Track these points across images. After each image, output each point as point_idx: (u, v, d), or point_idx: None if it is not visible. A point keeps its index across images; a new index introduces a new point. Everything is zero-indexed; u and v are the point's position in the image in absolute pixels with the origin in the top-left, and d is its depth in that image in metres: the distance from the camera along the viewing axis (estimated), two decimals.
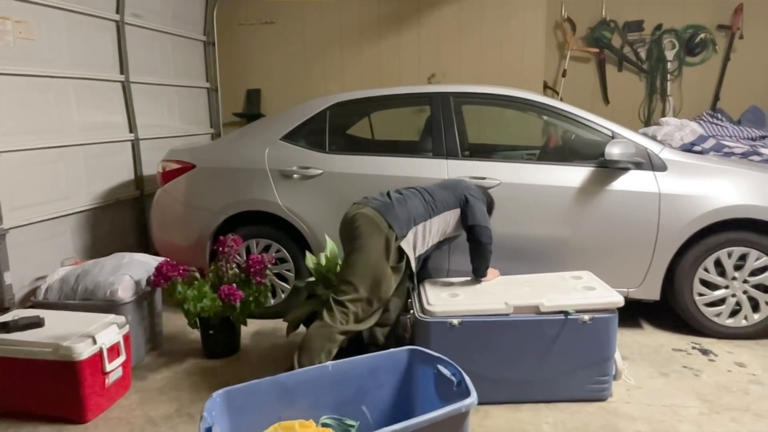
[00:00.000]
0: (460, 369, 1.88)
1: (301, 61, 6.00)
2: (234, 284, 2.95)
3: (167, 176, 3.67)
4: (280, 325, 3.17)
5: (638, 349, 3.07)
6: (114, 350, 2.54)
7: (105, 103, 4.19)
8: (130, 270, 2.99)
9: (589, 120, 3.31)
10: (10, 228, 3.32)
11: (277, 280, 3.50)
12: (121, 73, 4.35)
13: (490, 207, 2.95)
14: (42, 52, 3.59)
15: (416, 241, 2.59)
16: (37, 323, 2.54)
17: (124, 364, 2.61)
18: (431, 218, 2.65)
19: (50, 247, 3.65)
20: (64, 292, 2.95)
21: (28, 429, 2.37)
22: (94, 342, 2.44)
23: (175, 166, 3.66)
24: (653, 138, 3.60)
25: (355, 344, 2.67)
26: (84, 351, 2.38)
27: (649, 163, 3.16)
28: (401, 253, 2.49)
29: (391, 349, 2.13)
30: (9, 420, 2.43)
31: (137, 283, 2.97)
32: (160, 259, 3.11)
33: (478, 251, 2.76)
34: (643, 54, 5.97)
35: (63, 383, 2.39)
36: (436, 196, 2.73)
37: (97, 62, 4.10)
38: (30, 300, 3.15)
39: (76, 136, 3.87)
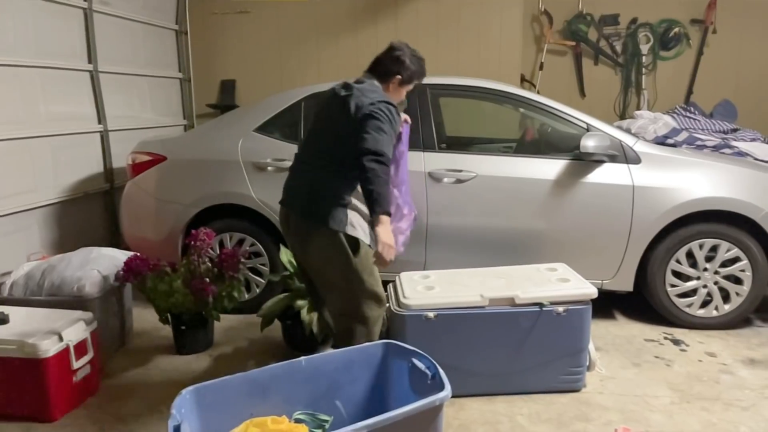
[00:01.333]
0: (434, 362, 1.87)
1: (276, 51, 5.91)
2: (206, 279, 2.90)
3: (137, 168, 3.58)
4: (255, 320, 3.12)
5: (611, 340, 3.10)
6: (81, 347, 2.47)
7: (72, 94, 4.06)
8: (98, 265, 2.91)
9: (564, 113, 3.32)
10: None
11: (251, 274, 3.45)
12: (89, 62, 4.22)
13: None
14: (6, 41, 3.46)
15: (353, 218, 2.28)
16: (2, 320, 2.45)
17: (92, 362, 2.54)
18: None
19: (16, 241, 3.53)
20: (29, 288, 2.86)
21: None
22: (61, 339, 2.37)
23: (146, 158, 3.57)
24: (628, 131, 3.64)
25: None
26: (50, 348, 2.31)
27: (624, 155, 3.18)
28: (352, 238, 2.27)
29: (366, 344, 2.11)
30: None
31: (105, 278, 2.89)
32: (129, 253, 3.03)
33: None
34: (618, 47, 6.02)
35: (29, 381, 2.32)
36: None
37: (64, 51, 3.97)
38: None
39: (43, 127, 3.75)
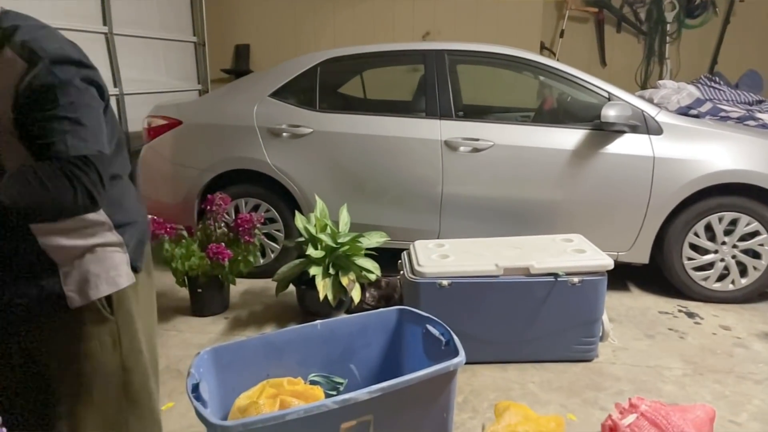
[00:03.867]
0: (448, 328, 1.88)
1: (291, 16, 5.82)
2: (222, 243, 2.92)
3: (153, 132, 3.58)
4: (270, 284, 3.16)
5: (625, 312, 3.10)
6: None
7: (88, 56, 4.04)
8: None
9: (585, 81, 3.24)
10: None
11: (266, 239, 3.47)
12: (104, 24, 4.18)
13: None
14: (22, 2, 3.43)
15: None
16: None
17: None
18: None
19: None
20: None
21: None
22: None
23: (162, 122, 3.57)
24: (650, 101, 3.55)
25: None
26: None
27: (645, 126, 3.12)
28: None
29: (381, 309, 2.13)
30: None
31: None
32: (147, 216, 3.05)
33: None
34: (642, 15, 5.85)
35: None
36: None
37: (79, 13, 3.93)
38: None
39: None
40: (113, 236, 1.28)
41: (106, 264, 1.26)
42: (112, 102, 4.29)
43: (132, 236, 1.33)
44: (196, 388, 1.58)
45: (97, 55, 4.14)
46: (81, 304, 1.23)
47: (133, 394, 1.36)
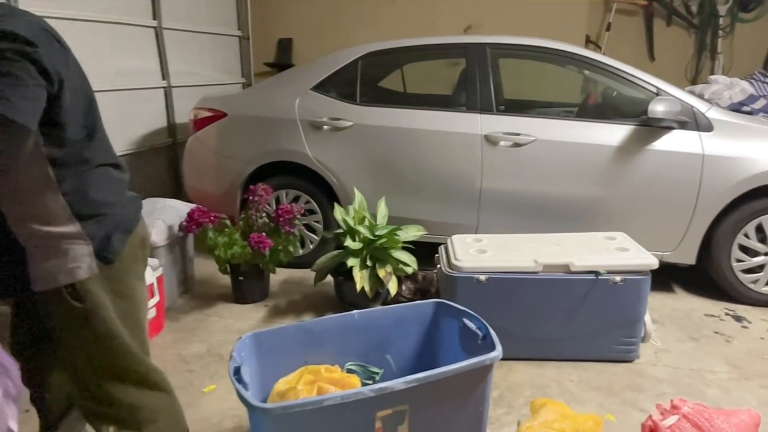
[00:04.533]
0: (485, 323, 1.88)
1: (333, 9, 5.86)
2: (263, 233, 2.99)
3: (199, 124, 3.68)
4: (308, 274, 3.21)
5: (669, 313, 3.02)
6: (148, 291, 2.62)
7: (138, 50, 4.18)
8: (163, 215, 3.05)
9: (632, 75, 3.16)
10: None
11: (305, 230, 3.53)
12: (154, 18, 4.32)
13: None
14: None
15: None
16: None
17: (157, 305, 2.70)
18: None
19: None
20: None
21: None
22: None
23: (207, 114, 3.66)
24: (700, 96, 3.43)
25: None
26: None
27: (695, 122, 3.02)
28: None
29: (418, 302, 2.14)
30: None
31: (170, 228, 3.02)
32: (192, 205, 3.15)
33: None
34: (694, 8, 5.64)
35: None
36: None
37: (130, 7, 4.07)
38: None
39: (112, 82, 3.90)
40: (73, 228, 1.32)
41: (68, 256, 1.32)
42: (160, 94, 4.44)
43: (102, 228, 1.36)
44: (237, 371, 1.63)
45: (146, 49, 4.28)
46: (43, 289, 1.33)
47: (117, 373, 1.44)
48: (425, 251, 3.11)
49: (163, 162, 4.55)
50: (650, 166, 3.04)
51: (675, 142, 3.01)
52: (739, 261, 3.05)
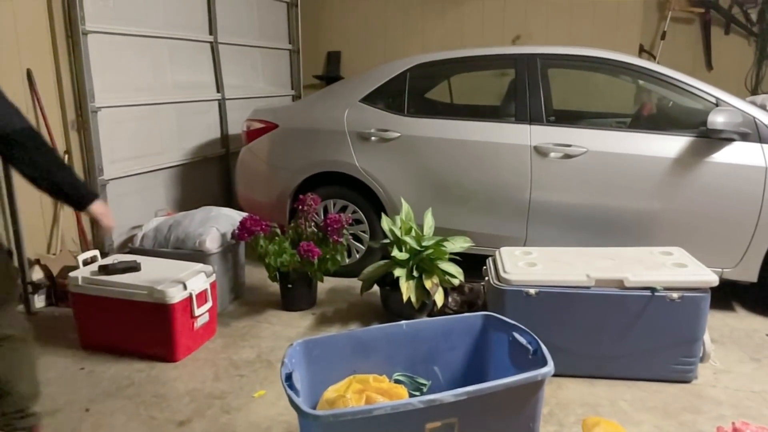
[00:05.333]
0: (536, 337, 1.85)
1: (381, 22, 5.93)
2: (312, 242, 3.04)
3: (251, 135, 3.79)
4: (355, 283, 3.24)
5: (729, 333, 2.88)
6: (202, 296, 2.71)
7: (195, 63, 4.35)
8: (217, 223, 3.15)
9: (690, 85, 3.06)
10: (110, 179, 3.57)
11: (352, 240, 3.57)
12: (210, 33, 4.49)
13: None
14: (138, 12, 3.76)
15: None
16: (134, 268, 2.73)
17: (210, 310, 2.78)
18: None
19: (145, 198, 3.90)
20: (157, 241, 3.16)
21: (124, 364, 2.59)
22: (185, 288, 2.60)
23: (259, 125, 3.76)
24: (762, 107, 3.29)
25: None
26: (176, 295, 2.55)
27: (757, 134, 2.89)
28: None
29: (466, 314, 2.12)
30: (108, 355, 2.66)
31: (223, 235, 3.12)
32: (244, 214, 3.24)
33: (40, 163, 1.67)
34: (753, 16, 5.41)
35: (156, 324, 2.57)
36: None
37: (188, 23, 4.25)
38: (127, 246, 3.40)
39: (170, 94, 4.07)
40: None
41: None
42: (214, 106, 4.60)
43: None
44: (289, 377, 1.66)
45: (203, 63, 4.45)
46: None
47: None
48: (472, 263, 3.08)
49: (216, 172, 4.70)
50: (709, 179, 2.93)
51: (736, 154, 2.89)
52: None
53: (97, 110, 3.46)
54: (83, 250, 3.34)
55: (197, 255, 2.98)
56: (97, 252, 2.95)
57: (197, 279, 2.69)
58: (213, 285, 2.79)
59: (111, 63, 3.56)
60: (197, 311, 2.65)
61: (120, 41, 3.62)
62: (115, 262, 2.75)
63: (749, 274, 2.98)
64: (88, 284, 2.65)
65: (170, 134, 4.11)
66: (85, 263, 2.83)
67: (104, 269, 2.69)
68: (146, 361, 2.61)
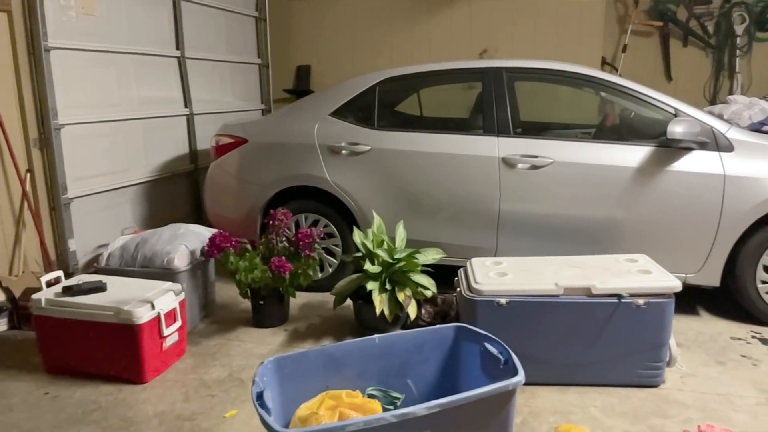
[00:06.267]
0: (507, 347, 1.87)
1: (350, 37, 5.98)
2: (284, 257, 3.02)
3: (220, 150, 3.76)
4: (328, 298, 3.23)
5: (694, 337, 2.96)
6: (171, 316, 2.65)
7: (162, 79, 4.31)
8: (185, 240, 3.10)
9: (650, 97, 3.16)
10: (74, 197, 3.49)
11: (325, 254, 3.55)
12: (177, 48, 4.45)
13: None
14: (102, 28, 3.71)
15: None
16: (100, 288, 2.66)
17: (179, 330, 2.73)
18: None
19: (111, 216, 3.82)
20: (124, 260, 3.09)
21: (90, 388, 2.51)
22: (153, 307, 2.55)
23: (228, 140, 3.74)
24: (720, 117, 3.42)
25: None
26: (143, 315, 2.49)
27: (715, 143, 3.00)
28: None
29: (438, 326, 2.13)
30: (72, 379, 2.58)
31: (192, 252, 3.07)
32: (214, 230, 3.20)
33: None
34: (710, 28, 5.64)
35: (123, 346, 2.51)
36: None
37: (154, 38, 4.21)
38: (93, 266, 3.32)
39: (136, 110, 4.01)
40: None
41: None
42: (182, 121, 4.56)
43: None
44: (260, 396, 1.64)
45: (170, 78, 4.40)
46: None
47: None
48: (444, 274, 3.10)
49: (184, 188, 4.64)
50: (670, 187, 3.02)
51: (695, 163, 2.99)
52: (764, 282, 2.99)
53: (60, 127, 3.39)
54: (46, 271, 3.24)
55: (165, 273, 2.92)
56: (61, 273, 2.87)
57: (165, 298, 2.64)
58: (182, 303, 2.74)
59: (74, 79, 3.50)
60: (166, 331, 2.60)
61: (84, 57, 3.56)
62: (80, 282, 2.68)
63: (712, 278, 3.07)
64: (51, 306, 2.57)
65: (136, 150, 4.04)
66: (49, 284, 2.75)
67: (68, 290, 2.62)
68: (113, 383, 2.54)
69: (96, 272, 3.08)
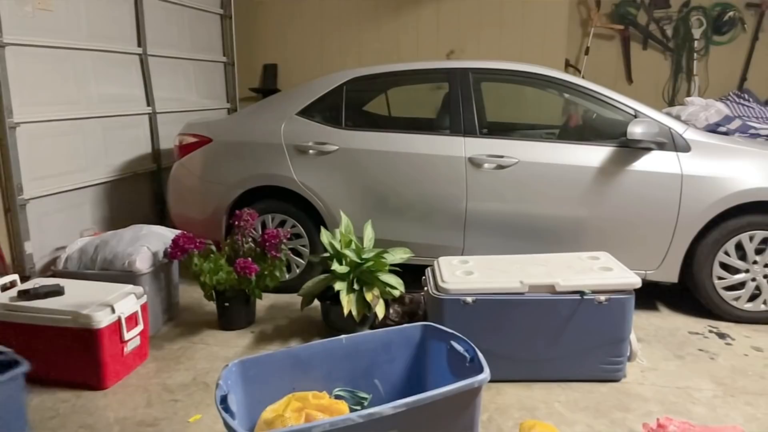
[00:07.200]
0: (473, 345, 1.88)
1: (317, 35, 5.94)
2: (250, 258, 2.98)
3: (184, 150, 3.69)
4: (295, 299, 3.20)
5: (654, 332, 3.04)
6: (132, 319, 2.59)
7: (123, 76, 4.19)
8: (147, 242, 3.03)
9: (611, 98, 3.24)
10: (31, 198, 3.37)
11: (292, 255, 3.52)
12: (139, 45, 4.34)
13: None
14: (60, 23, 3.59)
15: None
16: (57, 292, 2.58)
17: (141, 334, 2.66)
18: None
19: (69, 217, 3.70)
20: (83, 262, 3.00)
21: (48, 394, 2.43)
22: (113, 311, 2.48)
23: (192, 139, 3.67)
24: (677, 118, 3.52)
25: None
26: (103, 319, 2.42)
27: (672, 143, 3.09)
28: None
29: (405, 325, 2.14)
30: (29, 385, 2.46)
31: (155, 254, 3.00)
32: (177, 231, 3.14)
33: None
34: (669, 32, 5.82)
35: (82, 350, 2.44)
36: None
37: (114, 34, 4.09)
38: (50, 269, 3.21)
39: (95, 109, 3.89)
40: None
41: None
42: (144, 120, 4.45)
43: None
44: (224, 400, 1.61)
45: (131, 76, 4.29)
46: None
47: None
48: (412, 274, 3.11)
49: (147, 188, 4.53)
50: (630, 187, 3.10)
51: (654, 162, 3.08)
52: (720, 278, 3.10)
53: (16, 126, 3.27)
54: (1, 275, 3.12)
55: (127, 276, 2.85)
56: (16, 276, 2.76)
57: (126, 301, 2.57)
58: (144, 307, 2.68)
59: (31, 76, 3.37)
60: (127, 335, 2.53)
61: (40, 53, 3.44)
62: (37, 286, 2.59)
63: (670, 275, 3.17)
64: (6, 311, 2.48)
65: (96, 150, 3.93)
66: (4, 288, 2.65)
67: (25, 294, 2.53)
68: (72, 390, 2.46)
69: (53, 275, 2.98)
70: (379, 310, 2.84)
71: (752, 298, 3.10)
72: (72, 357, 2.46)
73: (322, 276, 3.01)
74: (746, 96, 4.53)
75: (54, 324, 2.43)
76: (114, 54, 4.07)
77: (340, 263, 2.89)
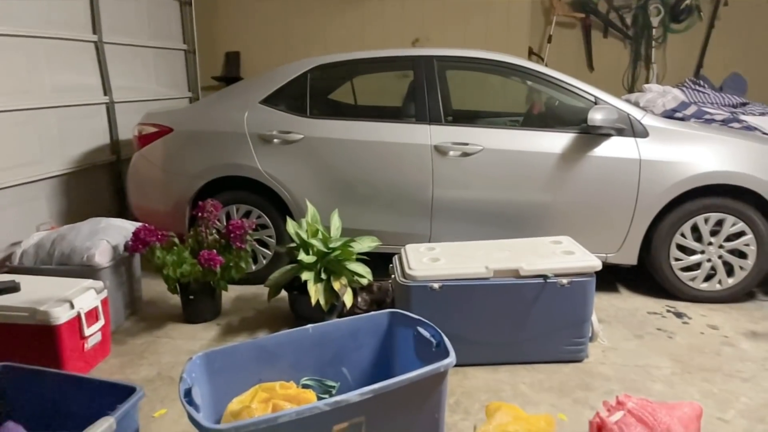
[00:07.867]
0: (439, 331, 1.90)
1: (281, 23, 5.85)
2: (214, 250, 2.93)
3: (144, 140, 3.59)
4: (262, 290, 3.17)
5: (614, 313, 3.13)
6: (92, 315, 2.52)
7: (77, 65, 4.04)
8: (107, 235, 2.95)
9: (572, 85, 3.29)
10: None
11: (257, 245, 3.48)
12: (94, 32, 4.19)
13: None
14: (9, 10, 3.43)
15: None
16: (13, 288, 2.50)
17: (103, 329, 2.59)
18: None
19: (24, 211, 3.56)
20: (39, 257, 2.90)
21: None
22: (72, 307, 2.41)
23: (152, 129, 3.57)
24: (636, 104, 3.61)
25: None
26: (62, 315, 2.36)
27: (631, 129, 3.16)
28: None
29: (372, 312, 2.14)
30: None
31: (114, 248, 2.93)
32: (138, 224, 3.06)
33: None
34: (628, 20, 5.93)
35: (41, 348, 2.37)
36: None
37: (68, 21, 3.94)
38: (5, 265, 3.09)
39: (48, 98, 3.74)
40: None
41: None
42: (101, 110, 4.31)
43: None
44: (188, 393, 1.59)
45: (86, 64, 4.14)
46: None
47: None
48: (380, 262, 3.12)
49: (106, 180, 4.40)
50: (591, 172, 3.16)
51: (613, 148, 3.15)
52: (677, 260, 3.20)
53: None
54: None
55: (86, 270, 2.77)
56: None
57: (86, 296, 2.50)
58: (104, 302, 2.61)
59: None
60: (87, 331, 2.47)
61: None
62: None
63: (629, 257, 3.26)
64: None
65: (51, 141, 3.78)
66: None
67: None
68: None
69: (9, 272, 2.87)
70: (347, 299, 2.84)
71: (708, 278, 3.21)
72: (31, 354, 2.37)
73: (289, 266, 2.98)
74: (702, 83, 4.66)
75: (10, 321, 2.36)
76: (68, 41, 3.92)
77: (307, 253, 2.87)
